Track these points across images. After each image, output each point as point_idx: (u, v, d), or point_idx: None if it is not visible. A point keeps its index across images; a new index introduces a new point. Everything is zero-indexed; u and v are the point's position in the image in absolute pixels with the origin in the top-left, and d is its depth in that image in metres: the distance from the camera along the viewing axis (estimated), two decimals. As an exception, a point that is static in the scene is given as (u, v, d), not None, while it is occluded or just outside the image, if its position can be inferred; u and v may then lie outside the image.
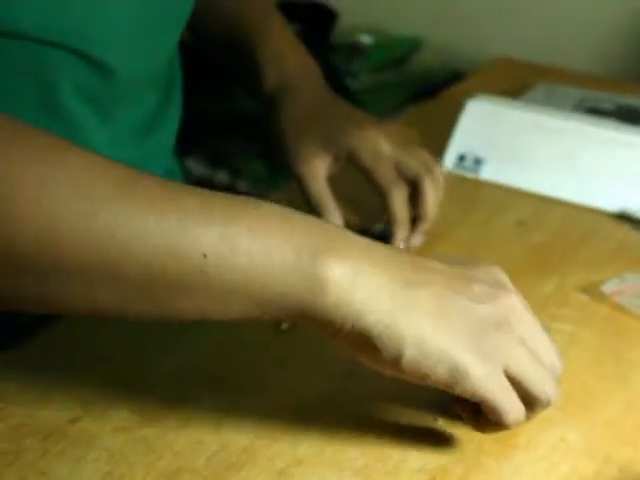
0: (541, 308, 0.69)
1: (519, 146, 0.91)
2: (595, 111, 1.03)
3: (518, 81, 1.18)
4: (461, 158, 0.93)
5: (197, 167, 1.60)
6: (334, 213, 0.75)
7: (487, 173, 0.92)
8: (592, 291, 0.72)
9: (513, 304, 0.50)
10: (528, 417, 0.51)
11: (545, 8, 1.60)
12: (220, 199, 0.49)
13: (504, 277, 0.53)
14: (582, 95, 1.08)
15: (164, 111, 0.79)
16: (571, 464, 0.54)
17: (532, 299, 0.70)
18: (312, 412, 0.58)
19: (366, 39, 1.70)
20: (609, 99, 1.06)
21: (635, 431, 0.57)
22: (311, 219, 0.50)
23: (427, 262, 0.51)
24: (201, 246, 0.45)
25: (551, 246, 0.80)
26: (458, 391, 0.48)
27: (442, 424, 0.57)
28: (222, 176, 1.59)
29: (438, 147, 0.96)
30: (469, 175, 0.92)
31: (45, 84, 0.64)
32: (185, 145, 0.98)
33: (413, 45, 1.77)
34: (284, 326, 0.66)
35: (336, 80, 1.51)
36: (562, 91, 1.10)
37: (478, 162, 0.92)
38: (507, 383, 0.49)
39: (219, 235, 0.46)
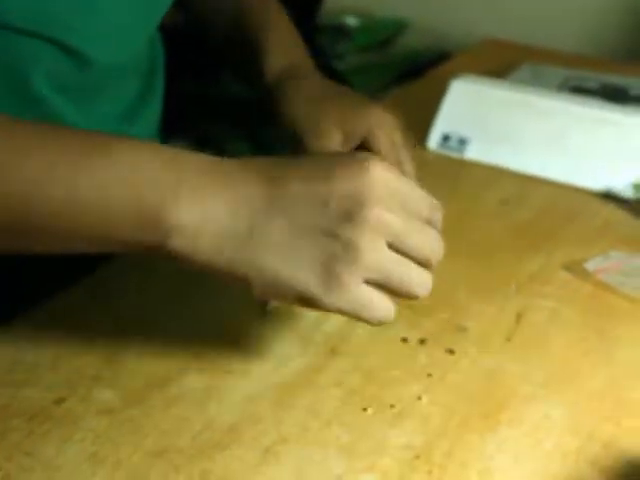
0: (525, 285, 0.70)
1: (503, 126, 0.91)
2: (580, 90, 1.03)
3: (504, 61, 1.18)
4: (445, 138, 0.93)
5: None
6: None
7: (472, 153, 0.92)
8: (576, 269, 0.72)
9: (375, 216, 0.48)
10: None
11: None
12: (78, 140, 0.50)
13: (373, 174, 0.49)
14: (567, 74, 1.08)
15: (146, 99, 0.79)
16: (554, 440, 0.54)
17: (516, 277, 0.71)
18: (295, 390, 0.58)
19: (352, 21, 1.69)
20: (594, 78, 1.06)
21: (618, 407, 0.57)
22: (161, 160, 0.49)
23: (283, 185, 0.49)
24: (52, 200, 0.48)
25: (536, 224, 0.80)
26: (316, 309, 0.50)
27: (426, 402, 0.57)
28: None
29: (423, 127, 0.96)
30: (454, 155, 0.93)
31: (16, 72, 0.63)
32: (171, 128, 0.98)
33: (398, 27, 1.77)
34: (269, 307, 0.66)
35: (322, 61, 1.50)
36: (547, 70, 1.10)
37: (463, 142, 0.92)
38: (366, 294, 0.49)
39: (65, 192, 0.48)
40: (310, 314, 0.66)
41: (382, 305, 0.50)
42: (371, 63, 1.71)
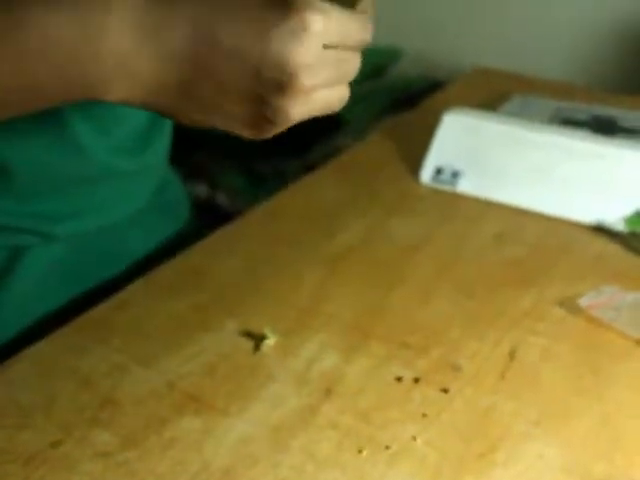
0: (518, 322, 0.71)
1: (496, 159, 0.93)
2: (571, 122, 1.04)
3: (495, 91, 1.20)
4: (438, 171, 0.95)
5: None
6: None
7: (464, 186, 0.93)
8: (569, 304, 0.73)
9: (306, 88, 0.48)
10: None
11: (523, 18, 1.62)
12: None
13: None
14: (558, 106, 1.09)
15: (157, 128, 0.81)
16: None
17: (510, 313, 0.72)
18: (291, 431, 0.59)
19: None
20: (585, 110, 1.08)
21: (612, 445, 0.58)
22: (83, 30, 0.48)
23: (212, 43, 0.48)
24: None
25: (528, 259, 0.81)
26: None
27: (421, 442, 0.58)
28: (201, 189, 1.60)
29: (416, 159, 0.97)
30: (446, 188, 0.94)
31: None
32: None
33: (392, 55, 1.78)
34: (264, 346, 0.67)
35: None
36: (538, 102, 1.11)
37: (455, 175, 0.93)
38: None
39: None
40: (304, 353, 0.67)
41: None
42: (365, 91, 1.72)
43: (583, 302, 0.73)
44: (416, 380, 0.64)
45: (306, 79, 0.48)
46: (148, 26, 0.48)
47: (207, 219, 1.02)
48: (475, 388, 0.63)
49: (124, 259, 0.83)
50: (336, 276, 0.78)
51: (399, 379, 0.64)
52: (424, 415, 0.60)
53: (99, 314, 0.72)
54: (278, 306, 0.73)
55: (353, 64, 0.52)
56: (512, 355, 0.67)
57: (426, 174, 0.95)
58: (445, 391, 0.63)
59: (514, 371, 0.65)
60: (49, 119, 0.67)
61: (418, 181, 0.95)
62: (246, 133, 0.51)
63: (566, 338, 0.69)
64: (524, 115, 1.02)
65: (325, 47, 0.48)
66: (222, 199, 1.59)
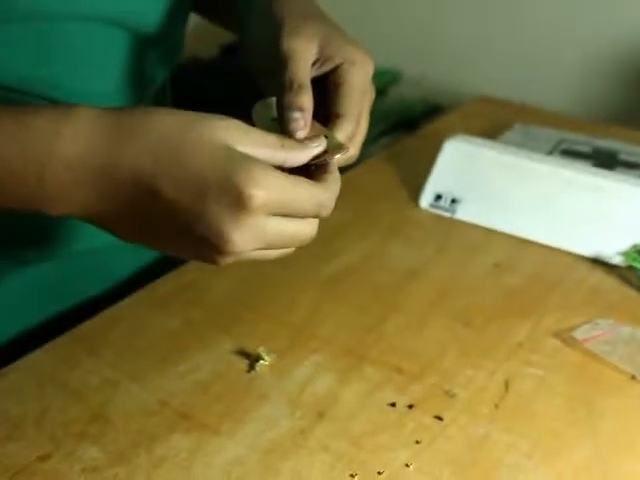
0: (514, 353, 0.71)
1: (496, 188, 0.93)
2: (572, 153, 1.05)
3: (497, 120, 1.21)
4: (438, 197, 0.95)
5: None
6: (309, 95, 0.60)
7: (463, 213, 0.94)
8: (564, 337, 0.74)
9: (242, 249, 0.49)
10: None
11: (527, 48, 1.64)
12: None
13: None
14: (559, 136, 1.11)
15: None
16: (540, 512, 0.56)
17: (505, 343, 0.72)
18: (282, 454, 0.59)
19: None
20: (586, 141, 1.09)
21: (604, 479, 0.59)
22: (27, 158, 0.50)
23: (153, 193, 0.49)
24: None
25: (525, 289, 0.82)
26: None
27: (413, 469, 0.58)
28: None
29: (416, 184, 0.98)
30: (445, 215, 0.94)
31: None
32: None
33: (392, 77, 1.80)
34: (259, 366, 0.67)
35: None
36: (539, 132, 1.12)
37: (454, 202, 0.94)
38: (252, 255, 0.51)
39: None
40: (298, 375, 0.67)
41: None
42: (363, 113, 1.73)
43: (578, 335, 0.73)
44: (410, 406, 0.64)
45: (239, 246, 0.49)
46: (92, 166, 0.50)
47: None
48: (469, 417, 0.64)
49: (111, 278, 0.83)
50: (332, 298, 0.78)
51: (393, 405, 0.64)
52: (417, 442, 0.61)
53: (93, 327, 0.72)
54: (273, 326, 0.74)
55: (302, 231, 0.53)
56: (507, 385, 0.67)
57: (425, 200, 0.96)
58: (439, 418, 0.63)
59: (508, 401, 0.66)
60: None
61: (417, 206, 0.96)
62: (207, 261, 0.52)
63: (561, 370, 0.70)
64: (525, 145, 1.03)
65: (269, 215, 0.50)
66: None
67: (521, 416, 0.64)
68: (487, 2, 1.65)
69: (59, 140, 0.49)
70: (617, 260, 0.86)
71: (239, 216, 0.48)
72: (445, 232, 0.92)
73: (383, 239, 0.90)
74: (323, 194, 0.52)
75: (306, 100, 0.58)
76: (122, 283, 0.83)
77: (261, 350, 0.68)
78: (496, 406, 0.65)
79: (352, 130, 0.61)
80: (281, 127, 0.57)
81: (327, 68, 0.62)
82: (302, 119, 0.56)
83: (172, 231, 0.50)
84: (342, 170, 0.58)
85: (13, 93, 0.64)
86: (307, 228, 0.53)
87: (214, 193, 0.48)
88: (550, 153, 1.05)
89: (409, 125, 1.65)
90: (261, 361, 0.68)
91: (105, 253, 0.79)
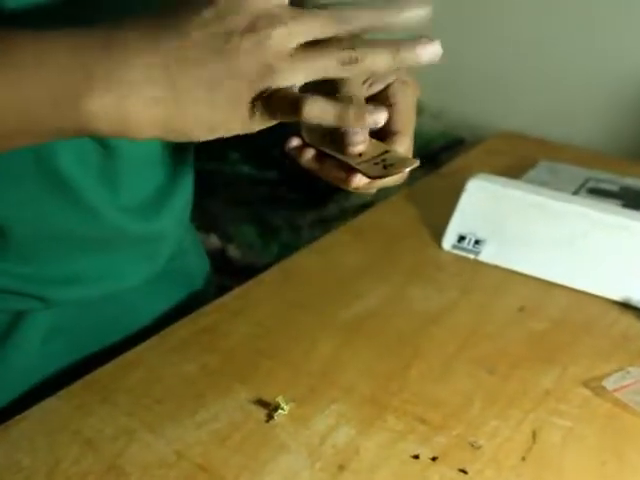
0: (541, 402, 0.71)
1: (521, 228, 0.93)
2: (599, 192, 1.05)
3: (521, 156, 1.21)
4: (461, 239, 0.95)
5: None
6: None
7: (487, 255, 0.94)
8: (593, 386, 0.73)
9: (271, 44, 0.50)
10: None
11: (550, 80, 1.64)
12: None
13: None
14: (585, 175, 1.11)
15: (172, 190, 0.80)
16: None
17: (532, 392, 0.72)
18: (304, 509, 0.59)
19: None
20: (614, 180, 1.09)
21: (636, 538, 0.58)
22: (65, 50, 0.51)
23: (178, 45, 0.50)
24: None
25: (552, 335, 0.82)
26: None
27: (438, 526, 0.58)
28: (212, 241, 1.61)
29: (438, 224, 0.98)
30: (469, 256, 0.94)
31: (45, 152, 0.66)
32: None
33: (413, 111, 1.81)
34: (276, 416, 0.67)
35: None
36: (565, 170, 1.12)
37: (478, 243, 0.94)
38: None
39: None
40: (318, 425, 0.67)
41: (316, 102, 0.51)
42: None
43: (608, 384, 0.73)
44: (434, 458, 0.64)
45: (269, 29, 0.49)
46: (122, 46, 0.51)
47: (218, 272, 1.02)
48: (495, 470, 0.63)
49: (131, 326, 0.82)
50: (352, 345, 0.78)
51: (416, 457, 0.64)
52: (441, 497, 0.60)
53: (107, 374, 0.73)
54: (291, 373, 0.74)
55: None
56: (534, 436, 0.67)
57: (448, 241, 0.96)
58: (464, 472, 0.63)
59: (536, 453, 0.65)
60: (49, 172, 0.67)
61: (440, 247, 0.96)
62: (248, 84, 0.50)
63: (590, 421, 0.69)
64: (551, 183, 1.03)
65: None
66: (233, 252, 1.60)
67: (549, 469, 0.64)
68: (510, 34, 1.66)
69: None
70: (647, 304, 0.86)
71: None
72: (468, 274, 0.92)
73: (404, 282, 0.90)
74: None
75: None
76: (142, 330, 0.83)
77: (280, 399, 0.68)
78: (523, 459, 0.65)
79: (410, 147, 0.63)
80: (336, 144, 0.58)
81: (377, 88, 0.65)
82: (361, 134, 0.57)
83: (204, 45, 0.50)
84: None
85: None
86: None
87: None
88: (576, 192, 1.05)
89: (430, 159, 1.66)
90: (280, 410, 0.68)
91: (127, 298, 0.80)
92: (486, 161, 1.18)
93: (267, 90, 0.50)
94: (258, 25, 0.50)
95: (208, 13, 0.50)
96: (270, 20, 0.50)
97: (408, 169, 0.57)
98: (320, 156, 0.61)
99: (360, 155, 0.58)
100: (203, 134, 0.52)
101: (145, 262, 0.80)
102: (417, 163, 0.58)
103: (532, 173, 1.11)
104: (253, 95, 0.50)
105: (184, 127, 0.52)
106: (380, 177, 0.56)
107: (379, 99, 0.64)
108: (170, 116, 0.51)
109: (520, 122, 1.49)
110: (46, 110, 0.51)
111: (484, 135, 1.44)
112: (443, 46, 0.51)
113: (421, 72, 0.68)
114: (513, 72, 1.68)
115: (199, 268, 0.95)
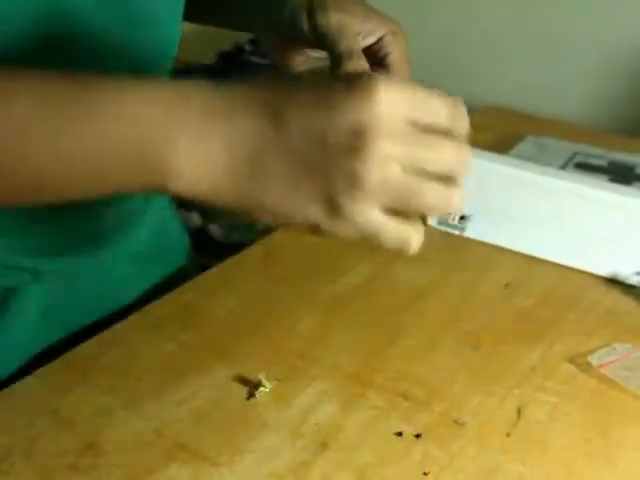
0: (526, 378, 0.71)
1: (507, 204, 0.94)
2: (586, 167, 1.06)
3: (508, 132, 1.22)
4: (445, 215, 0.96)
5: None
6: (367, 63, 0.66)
7: (473, 231, 0.94)
8: (579, 362, 0.74)
9: (379, 149, 0.49)
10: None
11: (539, 56, 1.64)
12: (63, 84, 0.51)
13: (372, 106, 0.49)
14: (573, 149, 1.11)
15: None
16: None
17: (517, 368, 0.72)
18: (285, 487, 0.59)
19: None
20: (602, 155, 1.09)
21: (621, 513, 0.59)
22: (160, 104, 0.51)
23: (282, 121, 0.50)
24: (37, 156, 0.50)
25: (538, 311, 0.82)
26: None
27: (421, 503, 0.58)
28: (193, 219, 1.61)
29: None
30: (454, 232, 0.95)
31: None
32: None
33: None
34: (258, 394, 0.67)
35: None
36: (553, 144, 1.13)
37: (463, 219, 0.95)
38: (375, 221, 0.50)
39: (49, 146, 0.50)
40: (300, 403, 0.67)
41: (397, 231, 0.52)
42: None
43: (594, 360, 0.73)
44: (417, 436, 0.64)
45: (377, 141, 0.48)
46: (219, 110, 0.50)
47: (199, 251, 1.03)
48: (479, 447, 0.64)
49: (116, 302, 0.83)
50: (335, 321, 0.79)
51: (399, 434, 0.64)
52: (425, 473, 0.61)
53: (85, 352, 0.73)
54: (273, 351, 0.74)
55: (451, 153, 0.52)
56: (519, 413, 0.67)
57: (433, 217, 0.96)
58: (448, 449, 0.63)
59: (520, 430, 0.66)
60: None
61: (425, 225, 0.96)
62: (323, 219, 0.50)
63: (576, 397, 0.70)
64: (538, 158, 1.04)
65: (407, 124, 0.49)
66: (215, 230, 1.60)
67: (534, 446, 0.64)
68: (497, 6, 1.66)
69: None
70: (634, 280, 0.86)
71: (370, 104, 0.48)
72: (453, 251, 0.93)
73: (389, 258, 0.90)
74: (455, 105, 0.54)
75: (367, 67, 0.62)
76: (130, 304, 0.83)
77: (262, 376, 0.68)
78: (507, 435, 0.65)
79: None
80: None
81: (370, 41, 0.68)
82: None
83: (301, 160, 0.50)
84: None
85: None
86: (455, 148, 0.52)
87: (340, 93, 0.49)
88: (564, 167, 1.05)
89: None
90: (261, 388, 0.68)
91: (114, 271, 0.81)
92: (472, 136, 1.18)
93: None
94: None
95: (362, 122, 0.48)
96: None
97: None
98: None
99: None
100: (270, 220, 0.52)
101: (132, 233, 0.81)
102: None
103: (519, 148, 1.11)
104: None
105: (245, 201, 0.51)
106: None
107: (374, 50, 0.68)
108: (240, 197, 0.51)
109: (508, 97, 1.49)
110: (126, 164, 0.51)
111: (470, 110, 1.44)
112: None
113: (412, 54, 0.69)
114: (500, 46, 1.68)
115: (180, 243, 0.96)
